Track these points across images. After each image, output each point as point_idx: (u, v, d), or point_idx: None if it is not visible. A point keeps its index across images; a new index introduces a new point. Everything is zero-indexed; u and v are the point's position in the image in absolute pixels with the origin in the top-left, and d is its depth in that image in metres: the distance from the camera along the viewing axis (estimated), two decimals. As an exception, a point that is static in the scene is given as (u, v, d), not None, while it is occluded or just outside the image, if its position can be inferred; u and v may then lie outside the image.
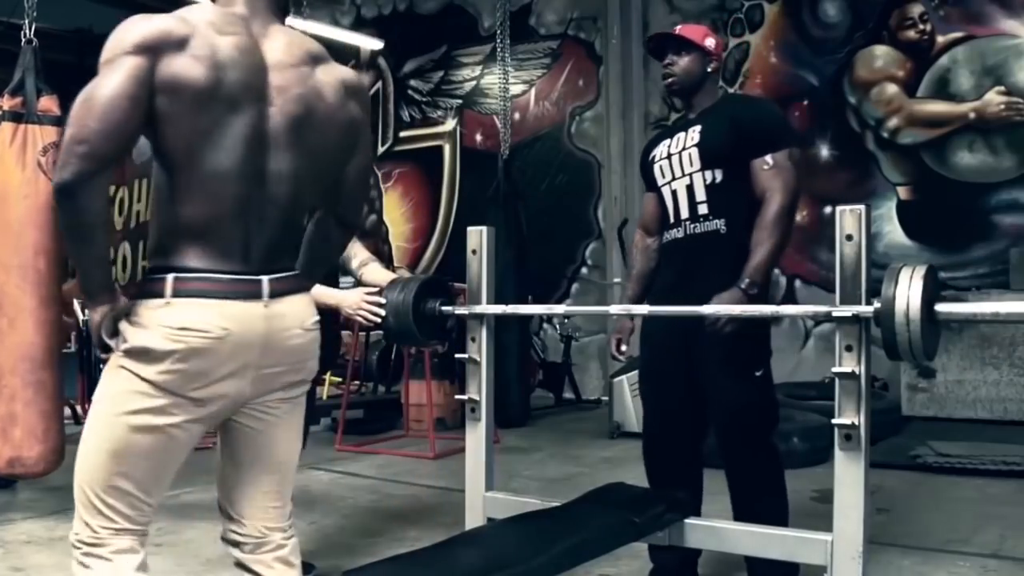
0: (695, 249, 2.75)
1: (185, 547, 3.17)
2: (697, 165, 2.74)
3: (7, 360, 3.43)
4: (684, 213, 2.78)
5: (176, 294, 1.57)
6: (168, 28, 1.56)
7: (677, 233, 2.81)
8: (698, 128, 2.77)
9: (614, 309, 2.64)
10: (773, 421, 2.78)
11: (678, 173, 2.79)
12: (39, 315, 3.45)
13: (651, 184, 2.93)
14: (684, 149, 2.78)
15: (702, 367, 2.71)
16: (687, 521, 2.45)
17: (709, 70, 2.82)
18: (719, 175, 2.72)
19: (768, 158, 2.65)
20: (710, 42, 2.82)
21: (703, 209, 2.74)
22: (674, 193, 2.80)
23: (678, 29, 2.87)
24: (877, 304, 2.10)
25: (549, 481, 4.69)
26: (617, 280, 7.78)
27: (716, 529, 2.47)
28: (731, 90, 7.43)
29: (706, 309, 2.46)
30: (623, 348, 2.96)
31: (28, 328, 3.42)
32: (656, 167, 2.86)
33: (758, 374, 2.71)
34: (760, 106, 2.97)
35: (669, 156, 2.82)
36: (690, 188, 2.76)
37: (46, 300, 3.48)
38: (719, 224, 2.72)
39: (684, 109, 2.93)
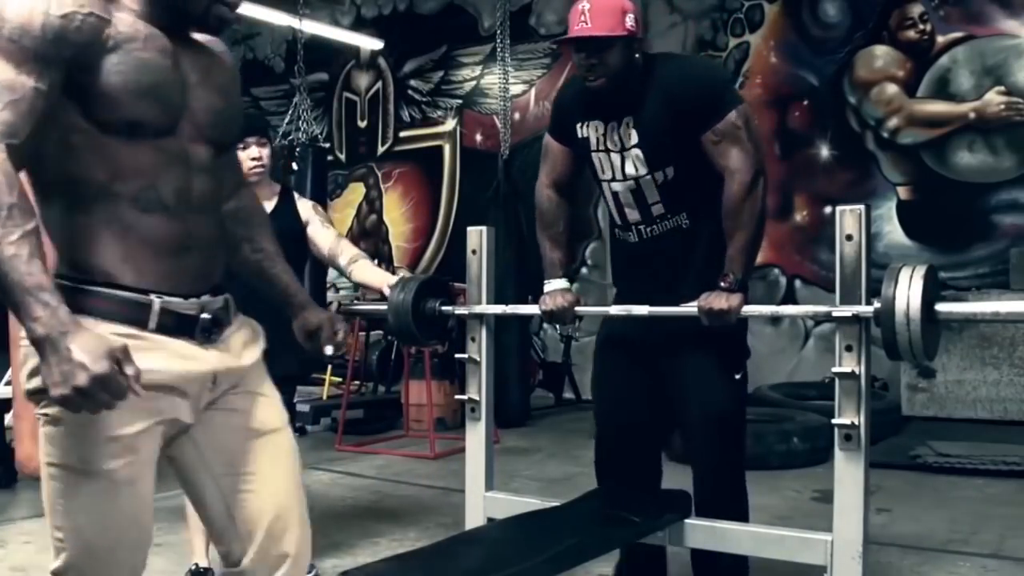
0: (657, 252, 2.52)
1: (185, 547, 3.17)
2: (643, 170, 2.45)
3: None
4: (634, 216, 2.52)
5: None
6: None
7: (629, 236, 2.57)
8: (630, 121, 2.43)
9: (614, 309, 2.62)
10: (744, 424, 2.64)
11: (619, 175, 2.50)
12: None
13: (569, 143, 2.60)
14: (625, 150, 2.46)
15: (677, 371, 2.53)
16: (687, 521, 2.45)
17: (637, 56, 2.41)
18: (670, 172, 2.44)
19: (716, 127, 2.34)
20: (630, 20, 2.39)
21: (658, 209, 2.49)
22: (616, 195, 2.54)
23: (588, 22, 2.35)
24: (877, 304, 2.10)
25: (549, 481, 4.69)
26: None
27: (716, 529, 2.47)
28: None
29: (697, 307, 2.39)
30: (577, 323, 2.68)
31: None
32: (595, 158, 2.54)
33: (737, 377, 2.54)
34: (689, 73, 2.49)
35: (608, 151, 2.50)
36: (637, 192, 2.48)
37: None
38: (680, 219, 2.48)
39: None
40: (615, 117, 2.46)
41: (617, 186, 2.52)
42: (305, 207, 3.12)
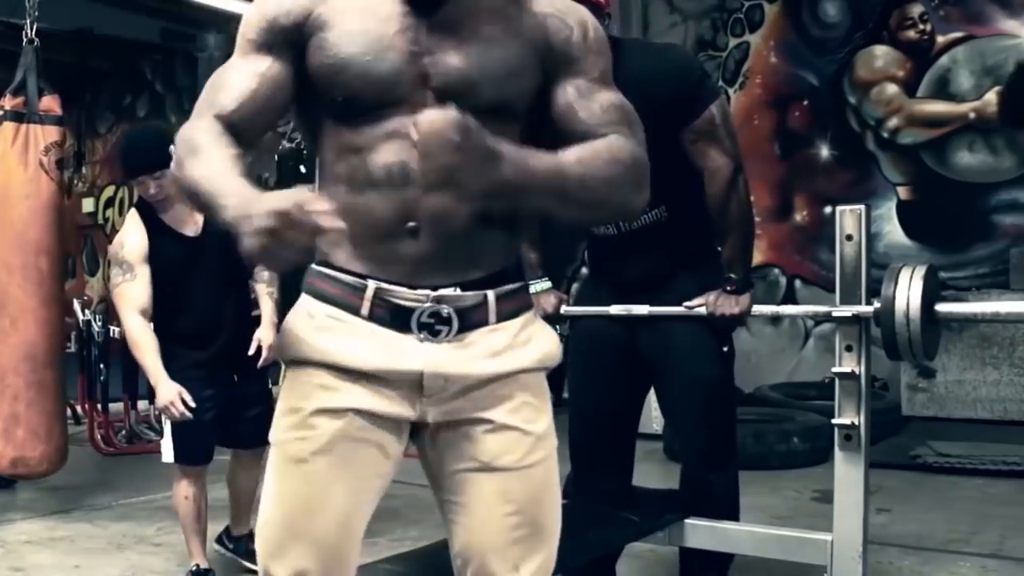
0: (636, 246, 2.46)
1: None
2: None
3: (9, 360, 3.44)
4: None
5: None
6: None
7: (607, 230, 2.50)
8: None
9: (614, 309, 2.62)
10: (732, 396, 2.59)
11: None
12: (41, 315, 3.46)
13: None
14: None
15: (662, 343, 2.46)
16: (687, 521, 2.45)
17: (609, 33, 2.28)
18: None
19: (693, 125, 2.29)
20: None
21: None
22: None
23: None
24: (877, 304, 2.10)
25: (549, 481, 4.68)
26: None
27: (716, 529, 2.47)
28: (731, 90, 7.43)
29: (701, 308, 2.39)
30: (554, 301, 2.61)
31: (30, 328, 3.43)
32: None
33: (725, 349, 2.48)
34: (663, 67, 2.37)
35: None
36: None
37: (48, 300, 3.49)
38: (658, 213, 2.39)
39: None
40: None
41: None
42: None
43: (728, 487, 2.55)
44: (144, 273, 2.93)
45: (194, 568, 3.06)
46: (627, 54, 2.21)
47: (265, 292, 3.23)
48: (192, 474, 3.05)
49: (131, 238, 2.96)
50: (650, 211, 2.39)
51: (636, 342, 2.52)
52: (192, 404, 2.88)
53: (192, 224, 3.05)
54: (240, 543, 3.23)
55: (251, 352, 3.10)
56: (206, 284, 3.04)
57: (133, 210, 3.06)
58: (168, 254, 2.97)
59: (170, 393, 2.87)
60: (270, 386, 3.34)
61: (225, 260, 2.89)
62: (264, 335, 3.13)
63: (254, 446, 3.09)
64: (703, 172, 2.33)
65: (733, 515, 2.56)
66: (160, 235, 2.98)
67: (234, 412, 3.07)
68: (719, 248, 2.42)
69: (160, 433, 3.15)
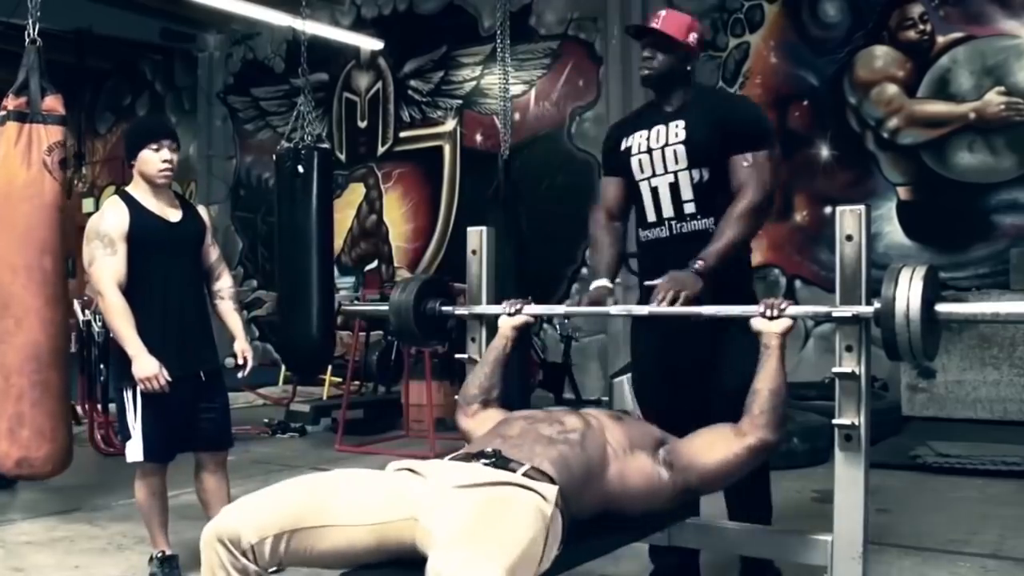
0: (683, 250, 2.66)
1: (185, 547, 3.17)
2: (684, 163, 2.68)
3: (14, 360, 3.43)
4: (668, 211, 2.73)
5: None
6: None
7: (660, 232, 2.77)
8: (681, 124, 2.70)
9: (614, 309, 2.63)
10: None
11: (660, 170, 2.72)
12: (45, 315, 3.45)
13: (617, 172, 2.86)
14: (668, 145, 2.71)
15: (724, 342, 2.65)
16: (687, 521, 2.45)
17: (689, 68, 2.75)
18: (706, 174, 2.68)
19: (748, 155, 2.63)
20: (693, 38, 2.73)
21: (690, 208, 2.70)
22: (655, 190, 2.74)
23: (661, 21, 2.71)
24: (877, 304, 2.10)
25: (549, 481, 4.69)
26: (617, 280, 7.77)
27: (716, 529, 2.48)
28: (732, 89, 7.43)
29: (706, 310, 2.44)
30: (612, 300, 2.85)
31: (35, 328, 3.42)
32: (634, 160, 2.78)
33: None
34: (745, 106, 2.93)
35: (650, 151, 2.74)
36: (674, 186, 2.71)
37: (52, 300, 3.48)
38: (708, 223, 2.68)
39: (658, 100, 2.82)
40: (663, 122, 2.74)
41: (656, 181, 2.74)
42: (205, 215, 3.31)
43: (766, 485, 2.77)
44: (123, 251, 2.99)
45: (159, 555, 3.12)
46: (709, 92, 3.03)
47: (232, 308, 3.30)
48: (158, 472, 3.11)
49: (112, 215, 3.02)
50: (700, 219, 2.69)
51: (691, 346, 2.69)
52: (169, 379, 2.94)
53: (173, 214, 3.13)
54: None
55: (239, 362, 3.20)
56: (179, 272, 3.10)
57: (115, 195, 3.12)
58: (148, 235, 3.03)
59: (152, 366, 2.92)
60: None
61: (196, 254, 3.16)
62: (244, 346, 3.24)
63: (216, 448, 3.18)
64: (739, 188, 2.61)
65: (768, 515, 2.75)
66: (141, 216, 3.04)
67: (198, 411, 3.12)
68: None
69: (121, 436, 3.17)
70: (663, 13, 2.76)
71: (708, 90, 2.78)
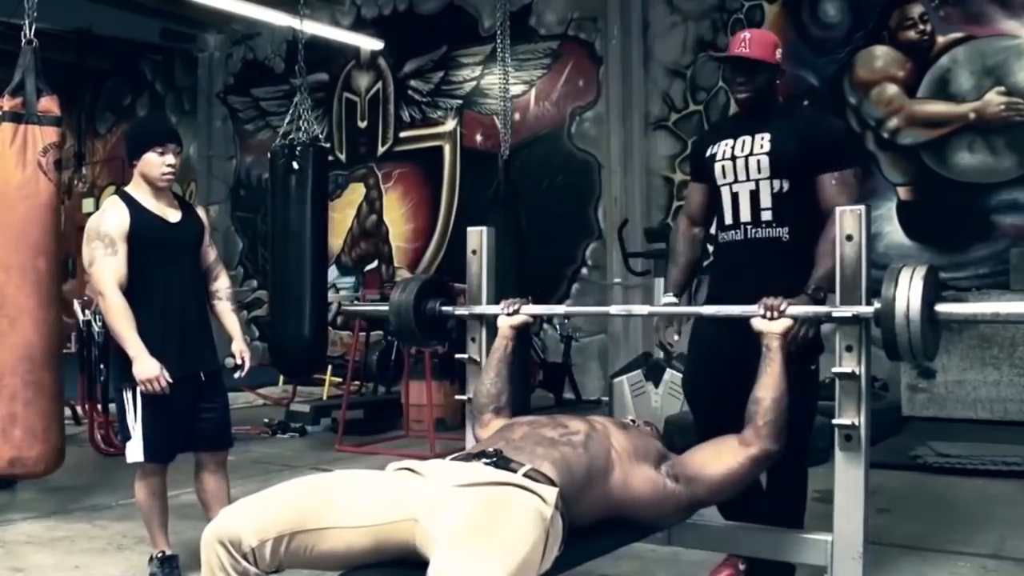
0: (755, 254, 2.79)
1: (185, 547, 3.17)
2: (766, 172, 2.77)
3: (7, 360, 3.43)
4: (745, 216, 2.82)
5: None
6: None
7: (735, 235, 2.85)
8: (767, 136, 2.79)
9: (614, 309, 2.64)
10: (812, 411, 2.80)
11: (742, 176, 2.82)
12: (39, 315, 3.45)
13: (703, 178, 2.96)
14: (752, 154, 2.80)
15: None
16: (688, 521, 2.45)
17: (777, 82, 2.86)
18: (786, 185, 2.76)
19: (836, 174, 2.71)
20: (778, 54, 2.83)
21: (767, 216, 2.79)
22: (735, 196, 2.83)
23: (749, 46, 2.79)
24: (877, 304, 2.10)
25: (549, 481, 4.68)
26: (617, 280, 7.77)
27: (716, 529, 2.47)
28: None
29: (706, 310, 2.44)
30: (675, 337, 2.94)
31: (28, 328, 3.42)
32: (718, 166, 2.87)
33: (813, 368, 2.73)
34: (831, 125, 3.01)
35: (734, 158, 2.84)
36: (755, 193, 2.79)
37: (46, 300, 3.48)
38: (782, 232, 2.77)
39: (747, 112, 2.91)
40: (749, 132, 2.83)
41: (738, 187, 2.83)
42: (203, 216, 3.30)
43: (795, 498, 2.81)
44: (123, 251, 2.98)
45: (159, 555, 3.11)
46: (797, 106, 3.26)
47: (230, 309, 3.29)
48: (158, 472, 3.11)
49: (113, 215, 3.01)
50: (775, 227, 2.78)
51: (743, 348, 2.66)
52: (170, 380, 2.93)
53: (173, 215, 3.13)
54: None
55: (237, 363, 3.21)
56: (179, 273, 3.10)
57: (115, 195, 3.10)
58: (148, 235, 3.02)
59: (153, 368, 2.91)
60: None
61: (196, 254, 3.16)
62: (242, 347, 3.24)
63: (216, 448, 3.17)
64: (829, 211, 2.60)
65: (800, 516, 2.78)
66: (141, 216, 3.03)
67: (198, 412, 3.12)
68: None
69: (121, 436, 3.16)
70: (747, 36, 2.82)
71: (795, 104, 2.82)
